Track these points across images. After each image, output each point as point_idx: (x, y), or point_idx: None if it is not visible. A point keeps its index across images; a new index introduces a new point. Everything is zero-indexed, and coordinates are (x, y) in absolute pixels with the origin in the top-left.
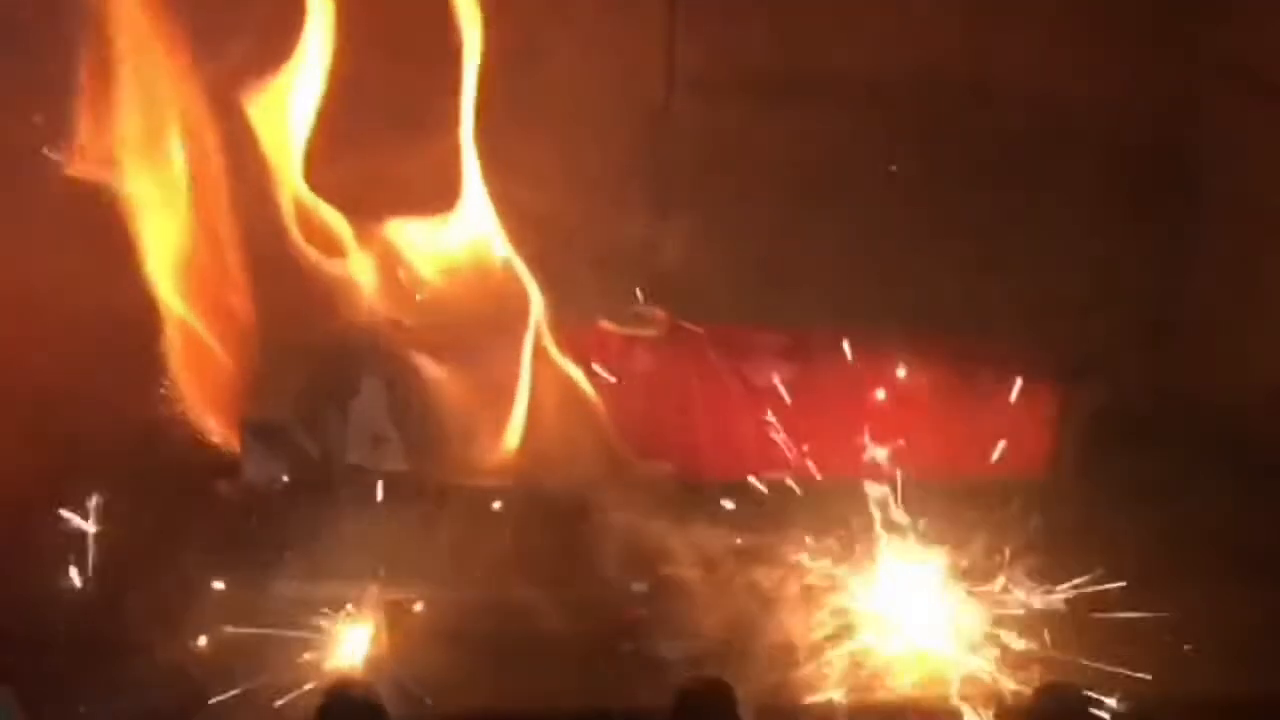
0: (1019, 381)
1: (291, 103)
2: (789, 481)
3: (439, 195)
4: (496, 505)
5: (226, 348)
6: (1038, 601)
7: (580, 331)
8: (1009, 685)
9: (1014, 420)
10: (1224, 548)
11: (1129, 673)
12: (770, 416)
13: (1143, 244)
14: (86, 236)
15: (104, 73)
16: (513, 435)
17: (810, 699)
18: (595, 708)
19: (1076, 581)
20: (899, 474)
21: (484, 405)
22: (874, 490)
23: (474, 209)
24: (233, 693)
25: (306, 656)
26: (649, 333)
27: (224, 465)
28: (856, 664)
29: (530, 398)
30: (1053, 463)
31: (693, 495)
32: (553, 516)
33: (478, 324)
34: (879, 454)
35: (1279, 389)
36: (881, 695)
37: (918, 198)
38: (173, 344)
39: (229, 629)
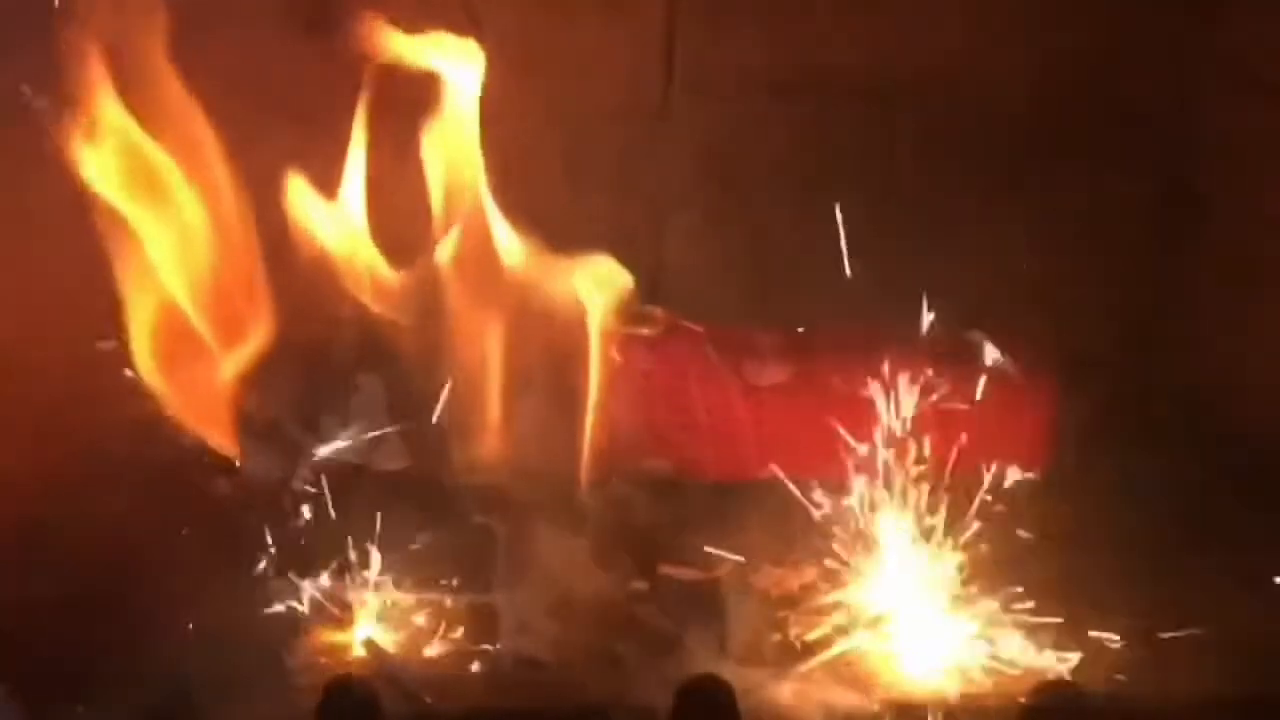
0: (1018, 380)
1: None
2: (787, 480)
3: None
4: (495, 504)
5: (227, 347)
6: (1035, 600)
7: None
8: (1007, 684)
9: (1013, 419)
10: (1223, 546)
11: (1126, 672)
12: (770, 416)
13: (1142, 243)
14: (88, 236)
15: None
16: (511, 434)
17: (808, 699)
18: (595, 707)
19: (1075, 581)
20: (898, 473)
21: (483, 404)
22: (872, 489)
23: (473, 209)
24: (231, 692)
25: (306, 655)
26: (649, 332)
27: (223, 465)
28: (853, 663)
29: (530, 396)
30: (1051, 462)
31: (692, 494)
32: (551, 515)
33: (478, 323)
34: (878, 453)
35: (1278, 389)
36: (878, 694)
37: (917, 198)
38: (173, 343)
39: (227, 628)
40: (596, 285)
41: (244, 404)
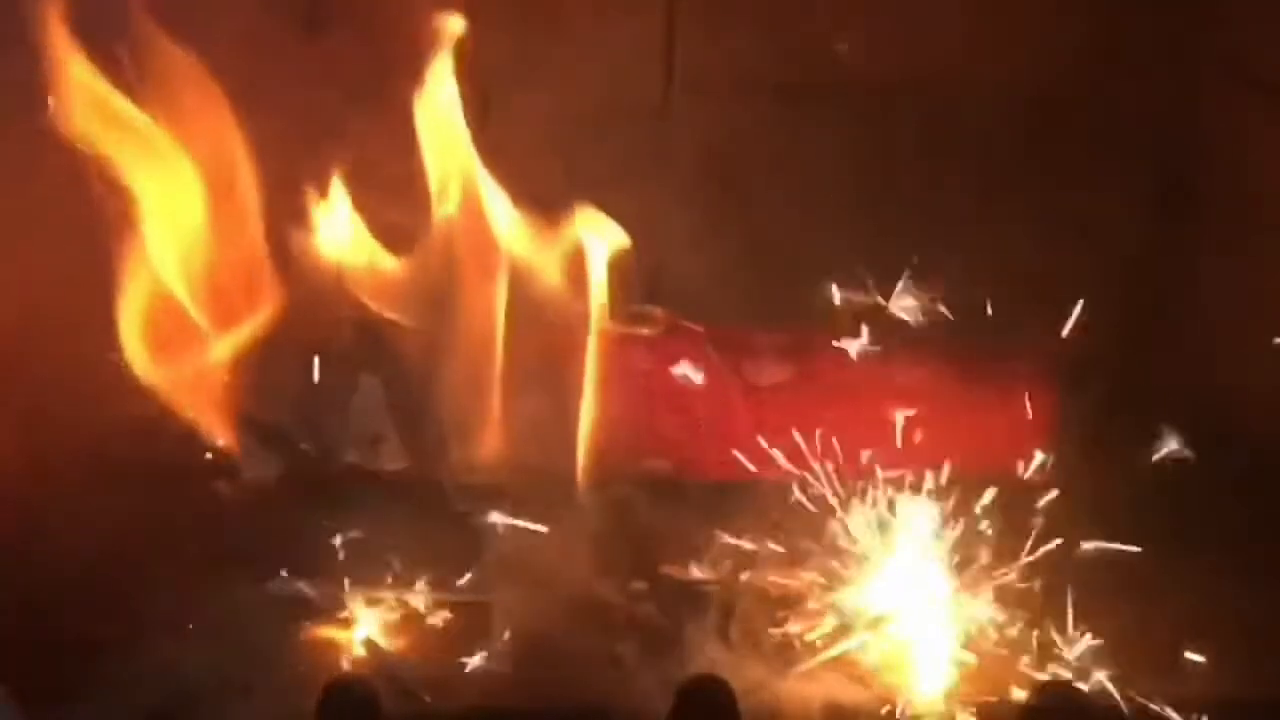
0: (1018, 381)
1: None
2: (787, 480)
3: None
4: (494, 504)
5: (226, 347)
6: (1036, 601)
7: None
8: (1006, 684)
9: (1013, 419)
10: (1224, 546)
11: (1125, 671)
12: (770, 416)
13: (1142, 243)
14: (88, 235)
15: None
16: (511, 433)
17: (807, 698)
18: (595, 707)
19: (1075, 581)
20: (897, 473)
21: (482, 404)
22: (872, 489)
23: (473, 209)
24: (230, 692)
25: (305, 655)
26: (649, 332)
27: (223, 465)
28: (854, 663)
29: (530, 396)
30: (1051, 463)
31: (691, 494)
32: (551, 515)
33: (477, 323)
34: (878, 453)
35: (1278, 388)
36: (878, 693)
37: (917, 198)
38: (173, 343)
39: (227, 628)
40: (594, 234)
41: (244, 404)
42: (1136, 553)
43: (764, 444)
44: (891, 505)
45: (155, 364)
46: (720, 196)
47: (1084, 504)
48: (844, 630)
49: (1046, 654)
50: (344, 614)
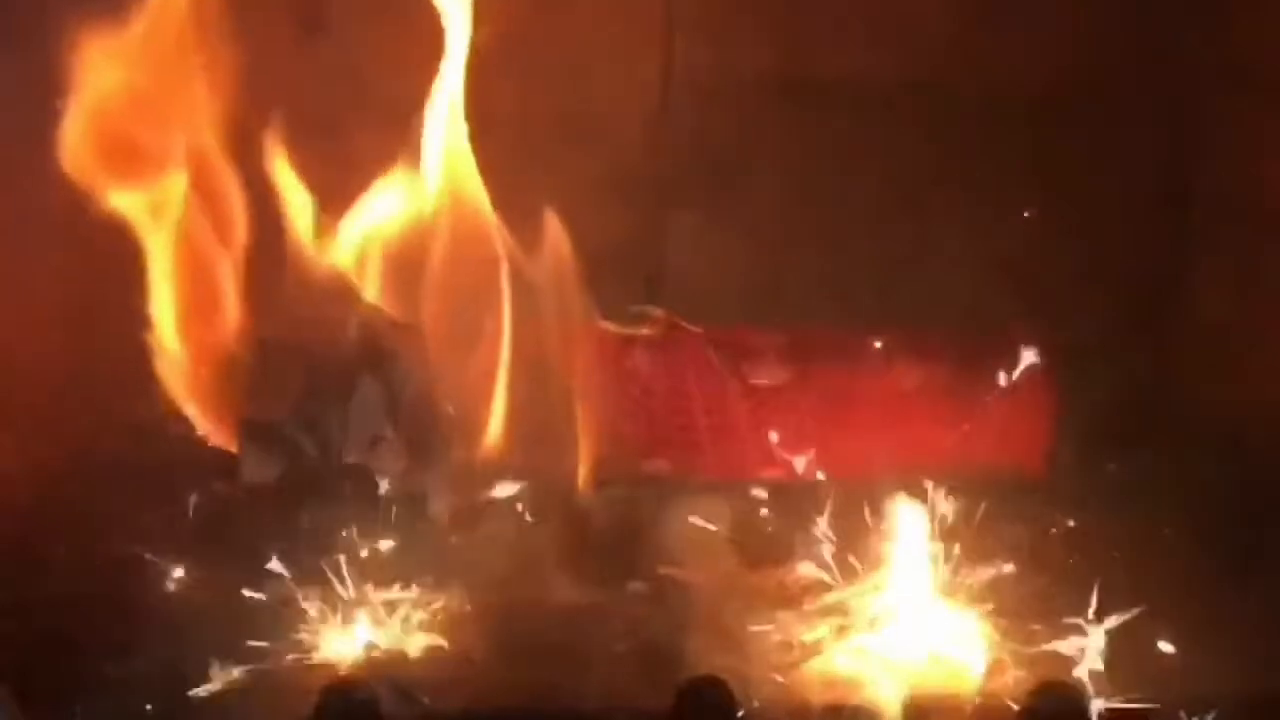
0: (1017, 382)
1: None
2: (787, 481)
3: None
4: (494, 505)
5: (226, 347)
6: (1037, 600)
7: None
8: (1005, 685)
9: (1012, 420)
10: (1221, 547)
11: (1126, 672)
12: (769, 416)
13: (1142, 244)
14: (86, 236)
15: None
16: (511, 435)
17: (807, 698)
18: (595, 708)
19: (1075, 580)
20: (897, 474)
21: (483, 405)
22: (871, 489)
23: (474, 209)
24: (229, 693)
25: (304, 657)
26: (648, 333)
27: (223, 465)
28: (853, 662)
29: (529, 397)
30: (1050, 462)
31: (691, 494)
32: (551, 516)
33: (477, 323)
34: (877, 454)
35: (1278, 389)
36: (878, 693)
37: (917, 198)
38: (172, 343)
39: (226, 629)
40: None
41: (244, 405)
42: (1138, 552)
43: (763, 444)
44: (892, 504)
45: (157, 366)
46: (720, 196)
47: (1085, 503)
48: (844, 630)
49: (1048, 653)
50: (343, 616)
